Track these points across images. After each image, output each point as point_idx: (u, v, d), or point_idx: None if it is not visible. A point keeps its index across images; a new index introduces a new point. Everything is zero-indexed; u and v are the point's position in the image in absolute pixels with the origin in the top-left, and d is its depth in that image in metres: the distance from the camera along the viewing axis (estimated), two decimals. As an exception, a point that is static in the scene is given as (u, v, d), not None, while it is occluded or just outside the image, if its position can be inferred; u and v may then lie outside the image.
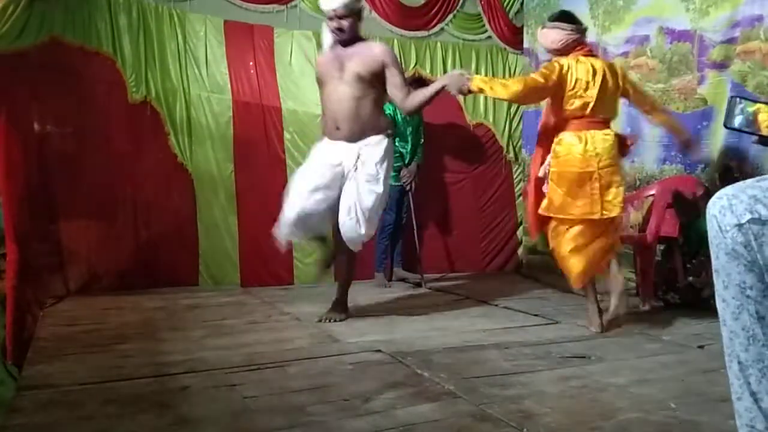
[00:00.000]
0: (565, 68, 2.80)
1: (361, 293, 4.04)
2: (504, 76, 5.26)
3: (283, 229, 3.05)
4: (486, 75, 5.18)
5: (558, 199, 2.79)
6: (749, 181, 1.10)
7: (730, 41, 3.52)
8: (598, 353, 2.41)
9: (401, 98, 3.00)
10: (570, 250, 2.82)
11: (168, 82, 4.16)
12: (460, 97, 5.05)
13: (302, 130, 4.52)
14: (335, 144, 3.03)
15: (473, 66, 5.15)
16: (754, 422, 1.09)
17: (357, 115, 2.97)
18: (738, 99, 1.27)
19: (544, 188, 2.92)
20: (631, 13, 4.20)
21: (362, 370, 2.20)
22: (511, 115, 5.30)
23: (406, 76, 4.49)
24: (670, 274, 3.44)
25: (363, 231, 3.00)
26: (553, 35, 2.90)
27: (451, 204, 5.10)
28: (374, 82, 2.99)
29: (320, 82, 3.12)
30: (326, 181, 3.00)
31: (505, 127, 5.26)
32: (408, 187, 4.51)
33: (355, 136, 3.00)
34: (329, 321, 3.09)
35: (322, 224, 3.17)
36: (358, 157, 2.98)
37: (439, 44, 5.02)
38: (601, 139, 2.77)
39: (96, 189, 3.91)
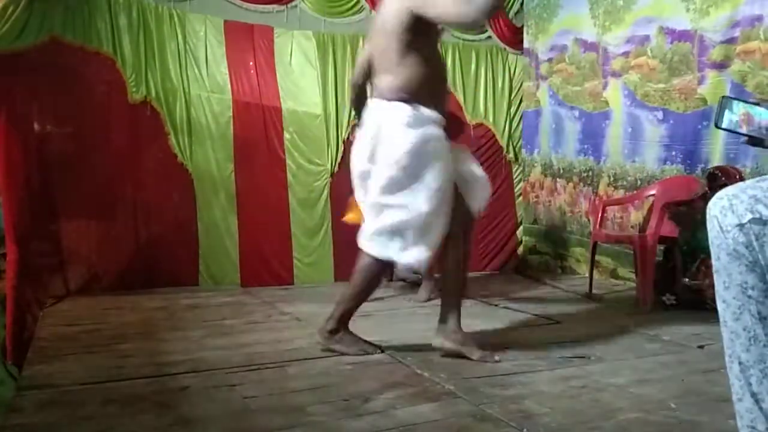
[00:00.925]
0: None
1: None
2: (504, 76, 5.27)
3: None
4: (486, 75, 5.19)
5: None
6: (750, 181, 1.10)
7: (730, 41, 3.52)
8: (598, 353, 2.41)
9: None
10: None
11: (168, 82, 4.16)
12: (460, 97, 5.09)
13: (302, 130, 4.52)
14: None
15: (473, 66, 5.16)
16: (755, 423, 1.08)
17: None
18: (729, 99, 1.27)
19: None
20: (632, 13, 4.20)
21: (362, 370, 2.20)
22: (511, 115, 5.30)
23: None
24: (670, 274, 3.44)
25: None
26: None
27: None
28: None
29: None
30: None
31: (505, 127, 5.26)
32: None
33: None
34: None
35: None
36: None
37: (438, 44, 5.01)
38: None
39: (96, 189, 3.91)
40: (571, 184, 4.81)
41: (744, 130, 1.26)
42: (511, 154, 5.29)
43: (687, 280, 3.33)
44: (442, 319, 2.41)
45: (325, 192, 4.59)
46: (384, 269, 2.48)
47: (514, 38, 5.26)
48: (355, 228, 4.85)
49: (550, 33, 4.97)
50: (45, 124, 3.84)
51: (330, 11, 4.70)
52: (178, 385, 2.00)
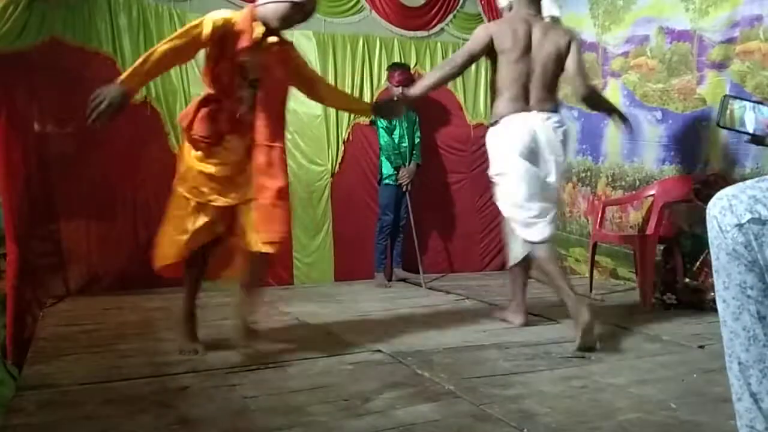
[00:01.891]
0: None
1: (361, 293, 4.05)
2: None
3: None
4: (486, 75, 5.19)
5: None
6: (749, 181, 1.11)
7: (730, 41, 3.52)
8: (598, 353, 2.41)
9: None
10: None
11: (168, 82, 4.15)
12: (460, 97, 5.09)
13: (302, 130, 4.52)
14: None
15: (473, 66, 5.13)
16: (754, 422, 1.08)
17: None
18: (731, 98, 1.27)
19: None
20: (631, 13, 4.20)
21: (362, 370, 2.20)
22: (511, 115, 5.29)
23: (406, 77, 4.52)
24: (670, 274, 3.44)
25: None
26: None
27: (451, 204, 5.10)
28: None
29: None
30: None
31: (504, 127, 5.25)
32: (405, 187, 4.51)
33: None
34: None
35: None
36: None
37: (439, 44, 5.02)
38: None
39: (96, 189, 3.91)
40: (570, 185, 4.81)
41: (746, 128, 1.26)
42: (511, 154, 5.28)
43: (688, 279, 3.33)
44: None
45: (326, 192, 4.59)
46: None
47: (513, 38, 5.26)
48: (354, 228, 4.84)
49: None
50: (45, 124, 3.84)
51: (330, 11, 4.70)
52: (177, 385, 2.00)
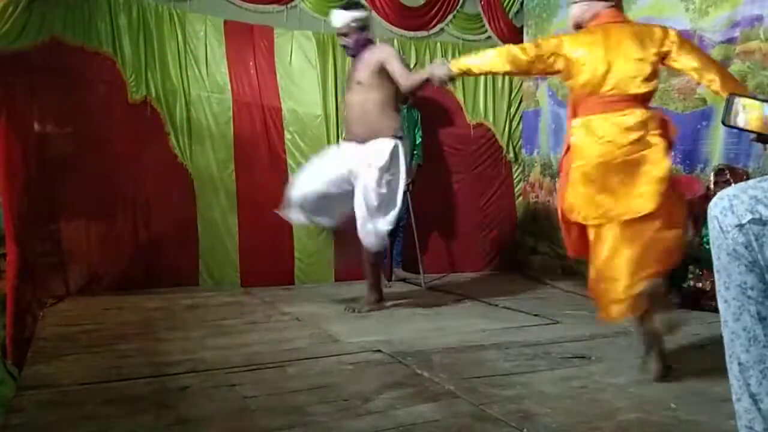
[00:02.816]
0: (565, 44, 2.33)
1: (361, 293, 4.04)
2: (504, 76, 5.26)
3: (290, 209, 3.36)
4: (486, 75, 5.19)
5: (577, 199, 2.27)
6: (751, 181, 1.10)
7: (730, 41, 3.52)
8: (598, 353, 2.41)
9: (400, 82, 3.19)
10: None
11: (168, 82, 4.16)
12: (460, 97, 5.09)
13: (302, 130, 4.52)
14: (349, 144, 3.37)
15: (473, 66, 5.15)
16: (752, 423, 1.08)
17: (363, 118, 3.28)
18: (736, 97, 1.26)
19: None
20: (631, 13, 4.16)
21: (362, 370, 2.20)
22: (511, 115, 5.30)
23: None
24: (670, 273, 3.43)
25: (371, 227, 3.27)
26: (571, 13, 2.52)
27: (451, 204, 5.10)
28: (376, 83, 3.20)
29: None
30: (337, 175, 3.31)
31: (505, 127, 5.26)
32: (406, 188, 4.49)
33: (361, 138, 3.28)
34: (351, 311, 3.35)
35: (327, 213, 3.42)
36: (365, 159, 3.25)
37: (439, 44, 5.02)
38: (613, 123, 2.19)
39: (96, 189, 3.91)
40: (570, 184, 4.80)
41: (751, 127, 1.25)
42: (511, 155, 5.29)
43: (691, 280, 3.33)
44: None
45: (326, 192, 4.59)
46: None
47: (514, 38, 5.23)
48: (354, 227, 4.85)
49: (550, 33, 4.97)
50: (45, 124, 3.84)
51: (330, 11, 4.69)
52: (177, 385, 2.00)
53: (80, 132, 3.91)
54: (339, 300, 3.70)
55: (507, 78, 5.28)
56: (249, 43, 4.43)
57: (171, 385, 2.01)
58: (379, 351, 2.43)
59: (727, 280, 1.10)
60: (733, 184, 1.14)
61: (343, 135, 3.53)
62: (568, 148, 2.36)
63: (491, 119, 5.21)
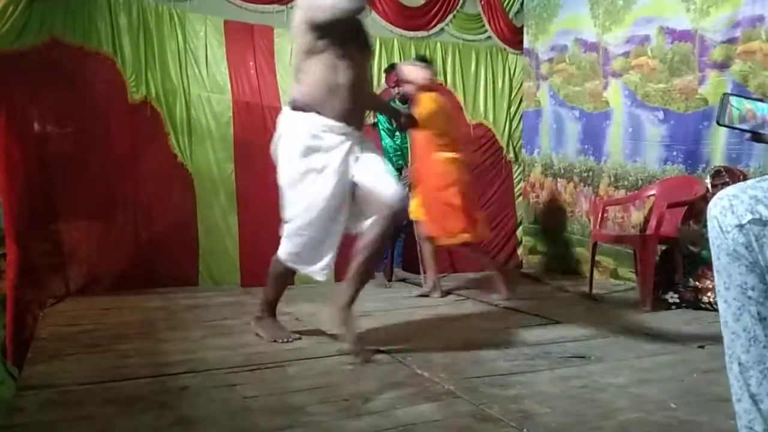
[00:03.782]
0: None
1: (361, 293, 4.04)
2: (504, 76, 5.27)
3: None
4: (486, 75, 5.19)
5: None
6: (751, 181, 1.10)
7: (731, 41, 3.51)
8: (598, 353, 2.41)
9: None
10: None
11: (168, 82, 4.15)
12: (460, 97, 5.09)
13: (302, 130, 4.51)
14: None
15: (473, 66, 5.16)
16: (752, 423, 1.08)
17: None
18: (730, 96, 1.26)
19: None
20: (632, 13, 4.20)
21: (362, 370, 2.20)
22: (511, 115, 5.30)
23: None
24: (669, 274, 3.44)
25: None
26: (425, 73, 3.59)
27: (452, 204, 5.09)
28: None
29: None
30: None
31: (505, 127, 5.26)
32: (408, 188, 4.49)
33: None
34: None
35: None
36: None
37: (439, 44, 5.02)
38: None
39: (96, 189, 3.91)
40: (571, 184, 4.80)
41: (746, 126, 1.26)
42: (511, 154, 5.29)
43: (691, 279, 3.33)
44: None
45: (326, 192, 4.58)
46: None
47: (514, 38, 5.26)
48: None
49: (551, 33, 4.97)
50: (45, 124, 3.84)
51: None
52: (178, 385, 2.00)
53: (80, 132, 3.91)
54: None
55: (507, 78, 5.29)
56: (249, 43, 4.43)
57: (171, 385, 2.01)
58: (379, 351, 2.43)
59: (727, 280, 1.10)
60: (731, 185, 1.14)
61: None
62: None
63: (491, 119, 5.21)
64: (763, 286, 1.06)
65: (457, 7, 5.08)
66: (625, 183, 4.28)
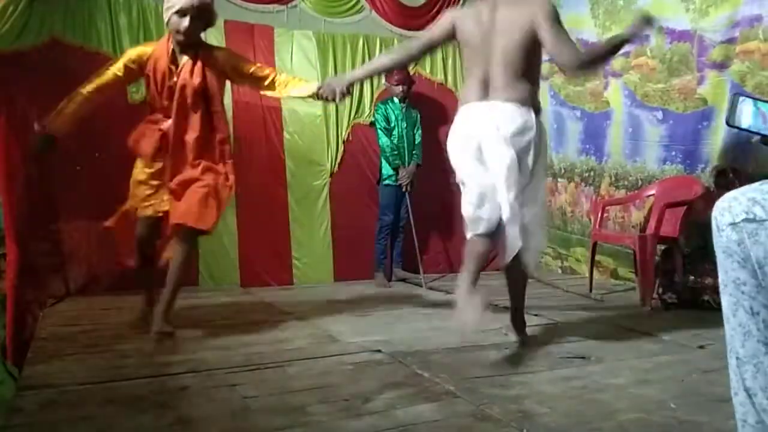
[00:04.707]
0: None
1: (361, 293, 4.04)
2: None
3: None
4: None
5: None
6: (755, 184, 1.12)
7: (730, 41, 3.52)
8: (598, 353, 2.41)
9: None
10: None
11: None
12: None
13: (302, 130, 4.52)
14: None
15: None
16: (746, 416, 1.11)
17: None
18: (741, 97, 1.26)
19: None
20: (631, 13, 4.19)
21: (362, 370, 2.20)
22: (511, 115, 5.29)
23: (405, 76, 4.53)
24: (669, 273, 3.44)
25: None
26: None
27: (451, 204, 5.08)
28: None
29: None
30: None
31: (505, 127, 5.25)
32: (405, 188, 4.51)
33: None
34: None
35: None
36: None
37: (439, 44, 5.02)
38: None
39: (96, 189, 3.90)
40: (572, 184, 4.81)
41: (755, 128, 1.25)
42: (511, 154, 5.28)
43: (690, 279, 3.33)
44: None
45: (325, 192, 4.59)
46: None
47: (514, 38, 5.25)
48: (354, 227, 4.83)
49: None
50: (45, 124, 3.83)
51: (330, 11, 4.70)
52: (178, 385, 2.00)
53: (80, 132, 3.90)
54: (338, 300, 3.71)
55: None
56: (249, 43, 4.43)
57: (171, 385, 2.01)
58: (379, 351, 2.43)
59: (725, 277, 1.13)
60: (738, 185, 1.15)
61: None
62: None
63: (491, 119, 5.20)
64: (755, 282, 1.08)
65: (457, 7, 5.07)
66: (626, 183, 4.29)
